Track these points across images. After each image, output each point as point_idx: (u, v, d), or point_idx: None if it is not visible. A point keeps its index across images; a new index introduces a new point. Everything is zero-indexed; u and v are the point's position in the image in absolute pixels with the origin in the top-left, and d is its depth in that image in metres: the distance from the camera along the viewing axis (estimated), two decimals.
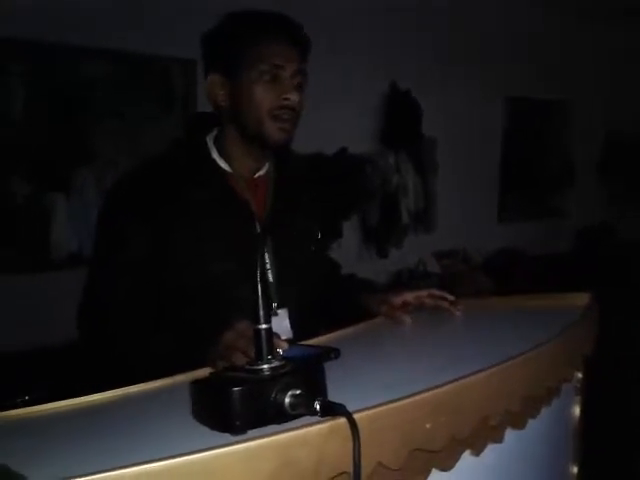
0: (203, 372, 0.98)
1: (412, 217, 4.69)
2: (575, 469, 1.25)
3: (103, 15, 3.31)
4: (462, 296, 1.40)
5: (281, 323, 1.27)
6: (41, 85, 3.42)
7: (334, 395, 0.74)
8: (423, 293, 1.35)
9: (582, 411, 1.24)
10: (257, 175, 1.32)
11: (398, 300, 1.33)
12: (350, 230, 4.32)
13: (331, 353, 1.03)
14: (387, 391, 0.77)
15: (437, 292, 1.36)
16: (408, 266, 4.70)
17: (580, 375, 1.22)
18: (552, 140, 6.04)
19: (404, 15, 4.46)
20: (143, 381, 0.96)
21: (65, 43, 3.32)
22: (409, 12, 4.47)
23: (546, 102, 5.75)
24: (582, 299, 1.29)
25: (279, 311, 1.28)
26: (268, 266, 1.27)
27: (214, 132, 1.30)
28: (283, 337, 1.22)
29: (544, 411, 1.03)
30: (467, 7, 4.74)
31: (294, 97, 1.21)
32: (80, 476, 0.56)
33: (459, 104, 4.87)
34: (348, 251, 3.99)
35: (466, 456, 0.87)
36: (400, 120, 4.52)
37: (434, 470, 0.82)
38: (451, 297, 1.35)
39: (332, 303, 1.45)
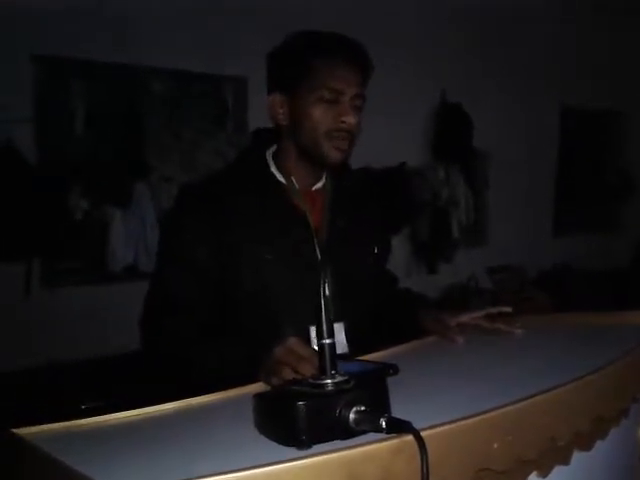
0: (261, 386, 0.99)
1: (463, 231, 4.62)
2: None
3: (159, 35, 3.41)
4: (518, 314, 1.36)
5: (337, 337, 1.26)
6: (100, 103, 3.55)
7: (395, 412, 0.72)
8: (479, 314, 1.33)
9: None
10: (314, 188, 1.33)
11: (453, 321, 1.31)
12: (399, 244, 4.28)
13: (389, 369, 1.02)
14: (449, 410, 0.75)
15: (494, 310, 1.34)
16: (459, 281, 4.62)
17: None
18: (610, 152, 5.87)
19: (455, 26, 4.44)
20: (202, 386, 0.98)
21: (123, 62, 3.43)
22: (460, 23, 4.44)
23: (603, 113, 5.59)
24: None
25: (335, 325, 1.27)
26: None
27: (273, 147, 1.32)
28: (339, 351, 1.22)
29: (612, 432, 0.99)
30: (520, 17, 4.68)
31: (351, 120, 1.22)
32: None
33: (513, 116, 4.79)
34: (397, 266, 3.94)
35: (533, 478, 0.84)
36: (451, 133, 4.48)
37: None
38: (508, 309, 1.33)
39: (387, 318, 1.44)
